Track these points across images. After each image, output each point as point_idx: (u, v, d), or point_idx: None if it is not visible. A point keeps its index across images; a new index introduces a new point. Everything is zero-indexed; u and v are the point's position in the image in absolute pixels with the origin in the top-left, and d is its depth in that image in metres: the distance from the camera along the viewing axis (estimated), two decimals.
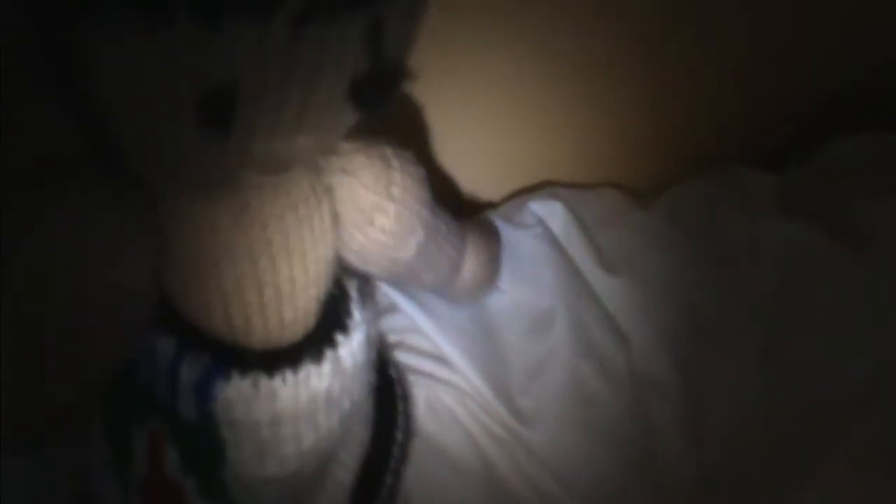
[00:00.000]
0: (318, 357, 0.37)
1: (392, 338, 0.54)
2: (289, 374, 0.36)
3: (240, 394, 0.35)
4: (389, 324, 0.54)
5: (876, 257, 0.54)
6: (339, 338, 0.38)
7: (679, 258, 0.59)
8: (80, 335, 0.33)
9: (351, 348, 0.38)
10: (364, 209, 0.37)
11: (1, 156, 0.32)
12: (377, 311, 0.50)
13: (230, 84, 0.26)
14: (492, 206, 0.62)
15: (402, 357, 0.54)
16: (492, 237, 0.55)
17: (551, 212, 0.61)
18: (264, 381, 0.36)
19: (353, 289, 0.40)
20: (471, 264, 0.49)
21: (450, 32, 0.55)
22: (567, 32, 0.58)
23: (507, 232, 0.59)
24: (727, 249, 0.58)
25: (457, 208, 0.62)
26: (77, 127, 0.29)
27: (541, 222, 0.61)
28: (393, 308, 0.55)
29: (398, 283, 0.46)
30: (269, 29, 0.25)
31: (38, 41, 0.26)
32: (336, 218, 0.37)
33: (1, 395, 0.31)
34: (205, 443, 0.37)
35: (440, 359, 0.54)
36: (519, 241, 0.59)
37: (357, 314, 0.39)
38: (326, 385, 0.37)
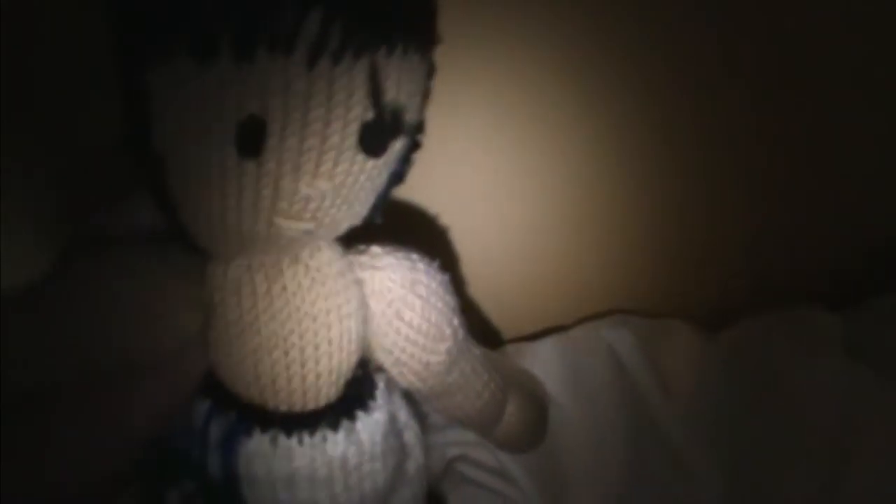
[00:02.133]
0: (334, 424, 0.39)
1: (454, 451, 0.57)
2: (305, 436, 0.38)
3: (259, 449, 0.38)
4: (452, 436, 0.57)
5: None
6: (359, 413, 0.40)
7: (742, 394, 0.60)
8: (131, 397, 0.35)
9: (370, 426, 0.40)
10: (392, 301, 0.40)
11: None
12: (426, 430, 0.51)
13: (262, 114, 0.30)
14: (562, 329, 0.65)
15: (463, 469, 0.56)
16: (538, 388, 0.57)
17: (620, 339, 0.63)
18: (282, 439, 0.38)
19: (381, 380, 0.42)
20: (514, 409, 0.50)
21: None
22: (634, 174, 0.63)
23: (576, 356, 0.62)
24: (789, 389, 0.59)
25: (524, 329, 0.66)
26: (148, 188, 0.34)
27: (609, 349, 0.63)
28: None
29: (440, 408, 0.46)
30: (292, 61, 0.29)
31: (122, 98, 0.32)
32: (365, 307, 0.39)
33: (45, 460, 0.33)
34: (229, 502, 0.38)
35: (501, 473, 0.57)
36: (586, 366, 0.62)
37: (381, 400, 0.41)
38: (341, 452, 0.39)
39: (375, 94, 0.31)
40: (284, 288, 0.36)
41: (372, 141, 0.32)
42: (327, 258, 0.38)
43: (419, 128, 0.36)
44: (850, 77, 0.61)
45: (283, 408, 0.38)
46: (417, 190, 0.60)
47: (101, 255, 0.36)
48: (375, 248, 0.40)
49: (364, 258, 0.40)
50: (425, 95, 0.35)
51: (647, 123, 0.61)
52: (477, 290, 0.64)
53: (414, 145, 0.36)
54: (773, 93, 0.61)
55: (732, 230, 0.66)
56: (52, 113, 0.51)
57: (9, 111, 0.50)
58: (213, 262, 0.37)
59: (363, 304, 0.40)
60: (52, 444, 0.33)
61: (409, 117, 0.34)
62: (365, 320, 0.40)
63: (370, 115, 0.31)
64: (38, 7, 0.48)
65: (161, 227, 0.36)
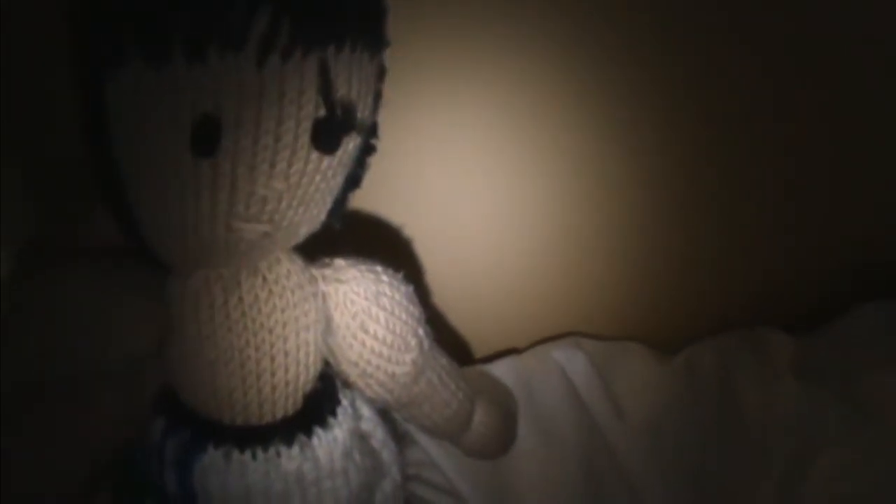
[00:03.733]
0: (289, 440, 0.39)
1: (408, 470, 0.57)
2: (259, 451, 0.38)
3: (213, 465, 0.38)
4: (407, 456, 0.56)
5: (885, 432, 0.55)
6: (317, 429, 0.40)
7: (695, 417, 0.61)
8: (91, 409, 0.35)
9: (327, 443, 0.40)
10: (356, 314, 0.40)
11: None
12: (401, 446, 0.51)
13: (215, 113, 0.30)
14: (515, 351, 0.66)
15: (416, 490, 0.56)
16: (508, 398, 0.57)
17: (573, 361, 0.64)
18: (235, 455, 0.38)
19: (346, 397, 0.42)
20: (483, 416, 0.50)
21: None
22: (601, 196, 0.64)
23: (529, 378, 0.63)
24: (741, 410, 0.60)
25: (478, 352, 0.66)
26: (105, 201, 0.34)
27: (562, 371, 0.64)
28: (410, 442, 0.57)
29: (409, 417, 0.47)
30: (242, 59, 0.29)
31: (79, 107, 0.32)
32: (329, 322, 0.40)
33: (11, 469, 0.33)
34: None
35: (453, 493, 0.57)
36: (539, 388, 0.62)
37: (342, 417, 0.41)
38: (296, 467, 0.39)
39: (326, 90, 0.31)
40: (241, 300, 0.37)
41: (325, 137, 0.33)
42: (286, 270, 0.38)
43: (373, 130, 0.37)
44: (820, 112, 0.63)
45: (240, 421, 0.39)
46: (383, 201, 0.60)
47: (60, 267, 0.37)
48: (339, 261, 0.41)
49: (328, 271, 0.40)
50: (377, 97, 0.36)
51: (610, 151, 0.62)
52: (436, 311, 0.64)
53: (368, 148, 0.37)
54: (741, 124, 0.63)
55: (694, 254, 0.67)
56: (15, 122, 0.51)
57: None
58: (172, 275, 0.37)
59: (325, 317, 0.40)
60: (10, 455, 0.33)
61: (362, 115, 0.34)
62: (328, 332, 0.40)
63: (322, 111, 0.32)
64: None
65: (121, 240, 0.36)
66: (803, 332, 0.65)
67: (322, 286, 0.40)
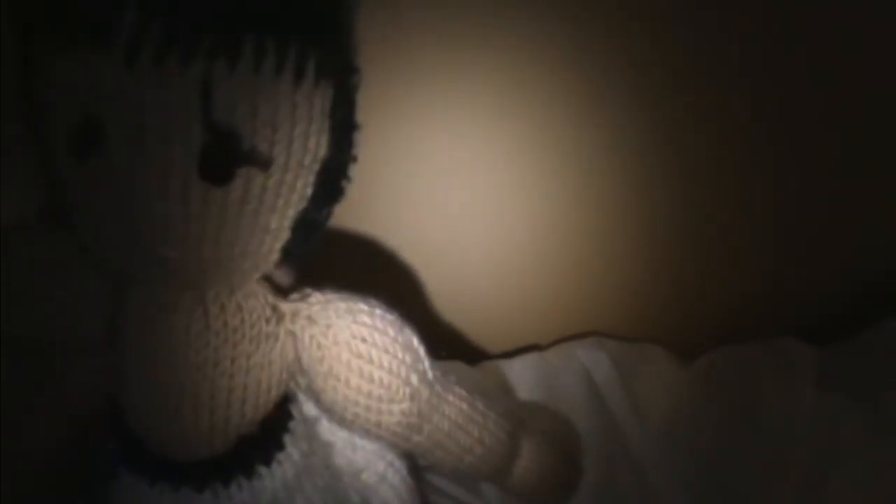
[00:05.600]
0: (201, 486, 0.36)
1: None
2: (192, 493, 0.36)
3: (132, 498, 0.36)
4: None
5: None
6: (260, 469, 0.37)
7: (713, 422, 0.61)
8: (56, 374, 0.35)
9: (251, 493, 0.37)
10: (322, 359, 0.36)
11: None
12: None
13: (95, 112, 0.28)
14: (538, 348, 0.66)
15: (434, 480, 0.57)
16: (568, 437, 0.51)
17: (596, 361, 0.64)
18: (144, 488, 0.36)
19: (295, 445, 0.38)
20: (528, 461, 0.44)
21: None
22: (625, 198, 0.64)
23: (550, 375, 0.63)
24: (760, 418, 0.60)
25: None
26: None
27: (584, 370, 0.64)
28: None
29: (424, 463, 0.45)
30: (111, 58, 0.27)
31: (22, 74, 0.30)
32: (299, 362, 0.36)
33: None
34: None
35: (468, 485, 0.57)
36: (561, 386, 0.63)
37: (277, 467, 0.38)
38: None
39: (206, 110, 0.27)
40: (171, 328, 0.34)
41: (210, 166, 0.28)
42: (235, 305, 0.34)
43: (338, 170, 0.32)
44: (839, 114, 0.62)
45: (163, 451, 0.36)
46: (403, 204, 0.61)
47: (22, 235, 0.36)
48: (317, 296, 0.36)
49: (302, 306, 0.36)
50: (340, 131, 0.31)
51: (630, 149, 0.62)
52: (459, 305, 0.65)
53: (331, 192, 0.33)
54: (766, 125, 0.62)
55: (715, 259, 0.67)
56: None
57: None
58: (121, 280, 0.35)
59: (283, 360, 0.36)
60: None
61: (269, 149, 0.29)
62: (299, 373, 0.37)
63: (206, 136, 0.28)
64: None
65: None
66: (824, 343, 0.65)
67: (288, 324, 0.36)
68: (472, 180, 0.62)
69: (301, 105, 0.29)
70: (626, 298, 0.67)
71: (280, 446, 0.38)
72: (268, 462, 0.37)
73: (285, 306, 0.36)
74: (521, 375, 0.63)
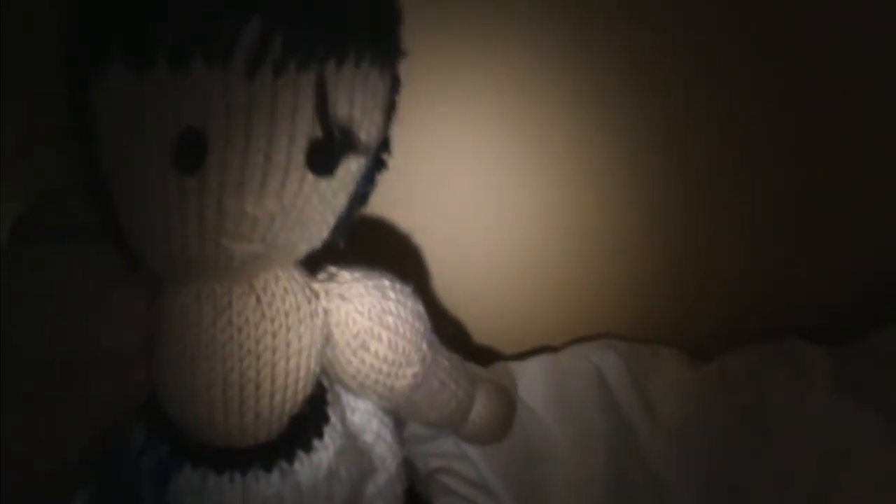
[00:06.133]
0: (269, 465, 0.38)
1: (436, 462, 0.58)
2: (237, 475, 0.37)
3: (189, 486, 0.37)
4: (435, 448, 0.58)
5: None
6: (300, 454, 0.39)
7: (726, 424, 0.61)
8: (82, 389, 0.34)
9: (309, 468, 0.39)
10: (358, 333, 0.39)
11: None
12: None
13: (201, 127, 0.28)
14: (551, 349, 0.66)
15: (445, 481, 0.57)
16: (507, 392, 0.55)
17: (609, 363, 0.64)
18: (212, 478, 0.37)
19: (334, 413, 0.41)
20: (480, 409, 0.49)
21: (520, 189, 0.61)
22: (638, 200, 0.64)
23: (563, 377, 0.63)
24: (773, 420, 0.60)
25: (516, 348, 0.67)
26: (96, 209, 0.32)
27: (597, 372, 0.64)
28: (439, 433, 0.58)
29: (406, 415, 0.47)
30: (231, 72, 0.27)
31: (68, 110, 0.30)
32: (329, 340, 0.39)
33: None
34: None
35: (482, 486, 0.58)
36: (573, 387, 0.63)
37: (328, 438, 0.40)
38: (275, 492, 0.38)
39: (323, 109, 0.29)
40: (230, 322, 0.35)
41: (320, 160, 0.30)
42: (282, 290, 0.36)
43: (385, 145, 0.35)
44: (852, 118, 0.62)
45: (220, 443, 0.37)
46: (403, 204, 0.61)
47: (48, 245, 0.36)
48: (345, 274, 0.39)
49: (332, 286, 0.39)
50: (389, 111, 0.34)
51: (643, 148, 0.62)
52: (469, 306, 0.65)
53: (378, 164, 0.35)
54: (773, 126, 0.62)
55: (729, 261, 0.67)
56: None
57: None
58: (163, 286, 0.35)
59: (322, 337, 0.38)
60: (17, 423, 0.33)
61: (366, 135, 0.32)
62: (327, 346, 0.39)
63: (318, 132, 0.30)
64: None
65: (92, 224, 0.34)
66: (838, 346, 0.65)
67: (324, 302, 0.38)
68: (477, 180, 0.62)
69: (381, 92, 0.32)
70: (637, 299, 0.67)
71: (326, 419, 0.41)
72: (320, 435, 0.40)
73: (317, 285, 0.39)
74: (534, 377, 0.63)
